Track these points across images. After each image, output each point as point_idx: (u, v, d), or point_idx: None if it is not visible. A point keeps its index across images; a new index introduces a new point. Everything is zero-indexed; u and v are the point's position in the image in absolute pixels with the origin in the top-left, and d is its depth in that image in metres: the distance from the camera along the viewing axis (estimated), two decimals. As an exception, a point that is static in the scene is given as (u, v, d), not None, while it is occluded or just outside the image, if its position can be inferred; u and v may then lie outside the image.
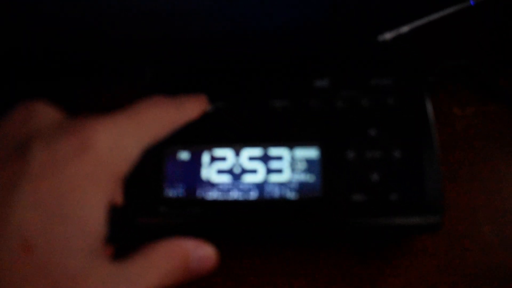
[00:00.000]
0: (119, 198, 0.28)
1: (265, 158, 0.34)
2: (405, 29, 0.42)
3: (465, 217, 0.36)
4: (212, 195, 0.33)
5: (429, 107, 0.33)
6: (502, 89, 0.43)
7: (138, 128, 0.25)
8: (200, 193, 0.33)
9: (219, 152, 0.34)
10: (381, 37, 0.41)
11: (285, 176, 0.33)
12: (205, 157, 0.34)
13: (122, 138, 0.24)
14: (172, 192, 0.34)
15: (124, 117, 0.24)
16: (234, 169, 0.34)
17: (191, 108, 0.30)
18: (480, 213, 0.36)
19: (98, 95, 0.47)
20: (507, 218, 0.35)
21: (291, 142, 0.34)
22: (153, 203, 0.33)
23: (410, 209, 0.31)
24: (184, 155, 0.34)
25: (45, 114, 0.23)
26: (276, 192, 0.33)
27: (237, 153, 0.34)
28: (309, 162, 0.33)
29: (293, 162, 0.33)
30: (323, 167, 0.33)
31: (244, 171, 0.34)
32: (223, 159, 0.34)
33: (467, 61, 0.45)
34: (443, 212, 0.31)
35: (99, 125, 0.23)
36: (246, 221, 0.33)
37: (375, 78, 0.35)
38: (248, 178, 0.33)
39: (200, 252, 0.24)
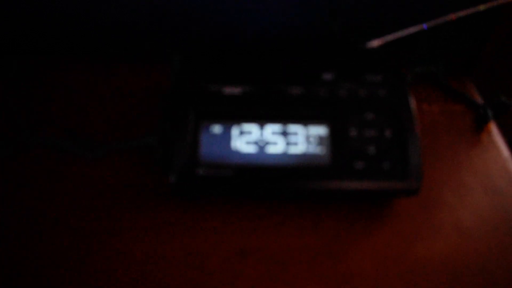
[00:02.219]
0: None
1: (284, 133, 0.41)
2: (389, 38, 0.51)
3: (432, 188, 0.45)
4: (240, 161, 0.40)
5: (411, 98, 0.43)
6: (457, 92, 0.54)
7: None
8: (229, 159, 0.40)
9: (246, 127, 0.41)
10: (370, 43, 0.51)
11: (301, 148, 0.41)
12: (235, 131, 0.41)
13: None
14: (206, 158, 0.40)
15: None
16: (259, 142, 0.41)
17: None
18: (445, 185, 0.46)
19: (132, 80, 0.53)
20: (466, 189, 0.45)
21: (305, 121, 0.42)
22: (192, 167, 0.40)
23: (397, 175, 0.40)
24: (216, 129, 0.41)
25: None
26: (293, 161, 0.41)
27: (262, 128, 0.42)
28: (320, 137, 0.41)
29: (307, 137, 0.41)
30: (331, 141, 0.41)
31: (267, 143, 0.41)
32: (249, 132, 0.41)
33: (433, 68, 0.55)
34: (422, 178, 0.40)
35: None
36: (268, 184, 0.40)
37: (369, 74, 0.44)
38: (270, 149, 0.41)
39: None
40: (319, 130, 0.42)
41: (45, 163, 0.45)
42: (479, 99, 0.55)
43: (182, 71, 0.45)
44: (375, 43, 0.51)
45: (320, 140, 0.41)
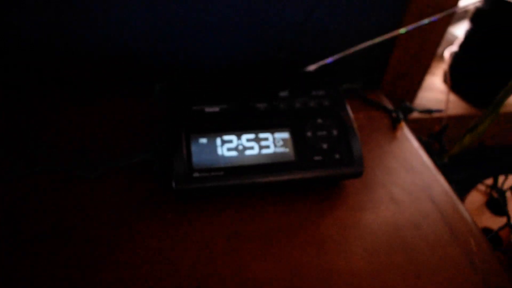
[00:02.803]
0: None
1: (257, 139, 0.53)
2: (320, 63, 0.66)
3: (368, 172, 0.59)
4: (225, 164, 0.51)
5: (348, 107, 0.57)
6: (374, 101, 0.70)
7: None
8: (217, 163, 0.51)
9: (227, 137, 0.52)
10: (308, 68, 0.65)
11: (271, 149, 0.53)
12: (218, 140, 0.52)
13: None
14: (199, 164, 0.50)
15: None
16: (238, 147, 0.52)
17: None
18: (377, 169, 0.60)
19: (109, 111, 0.61)
20: (392, 171, 0.60)
21: (271, 129, 0.54)
22: (189, 172, 0.50)
23: (346, 163, 0.53)
24: (204, 140, 0.52)
25: None
26: (266, 160, 0.52)
27: (239, 137, 0.53)
28: (284, 140, 0.53)
29: (274, 140, 0.53)
30: (293, 142, 0.53)
31: (244, 148, 0.52)
32: (230, 141, 0.52)
33: (355, 84, 0.71)
34: (363, 165, 0.54)
35: None
36: (249, 179, 0.51)
37: (315, 91, 0.58)
38: (248, 152, 0.52)
39: None
40: (283, 135, 0.54)
41: (50, 186, 0.52)
42: (390, 106, 0.71)
43: (171, 96, 0.54)
44: (312, 67, 0.65)
45: (285, 142, 0.53)
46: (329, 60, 0.66)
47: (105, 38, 0.61)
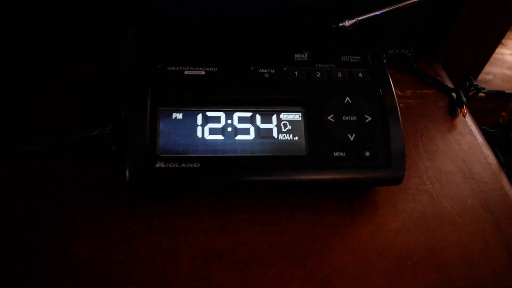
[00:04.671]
0: None
1: (255, 120, 0.37)
2: (360, 18, 0.48)
3: (411, 176, 0.42)
4: (206, 151, 0.36)
5: (391, 82, 0.40)
6: (429, 75, 0.52)
7: None
8: (194, 150, 0.35)
9: (212, 113, 0.37)
10: (341, 23, 0.47)
11: (273, 135, 0.37)
12: (199, 117, 0.36)
13: None
14: (167, 149, 0.35)
15: None
16: (227, 129, 0.36)
17: None
18: (424, 173, 0.43)
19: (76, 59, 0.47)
20: (445, 177, 0.43)
21: (277, 106, 0.37)
22: (150, 160, 0.35)
23: (379, 164, 0.37)
24: (178, 116, 0.36)
25: None
26: (265, 150, 0.36)
27: (229, 114, 0.37)
28: (294, 124, 0.37)
29: (280, 123, 0.37)
30: (306, 128, 0.37)
31: (236, 130, 0.36)
32: (216, 119, 0.37)
33: (405, 51, 0.53)
34: (405, 169, 0.37)
35: None
36: (238, 176, 0.36)
37: (345, 56, 0.41)
38: (240, 137, 0.36)
39: None
40: (293, 116, 0.37)
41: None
42: (449, 83, 0.53)
43: (137, 50, 0.39)
44: (346, 22, 0.47)
45: (295, 127, 0.37)
46: (377, 12, 0.48)
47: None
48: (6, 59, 0.47)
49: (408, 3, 0.47)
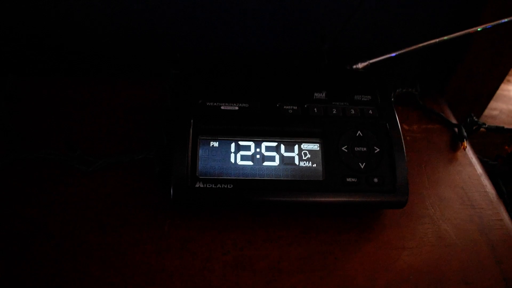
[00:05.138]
0: None
1: (280, 149, 0.43)
2: (372, 61, 0.55)
3: (415, 201, 0.48)
4: (238, 175, 0.42)
5: (397, 119, 0.46)
6: (434, 111, 0.58)
7: None
8: (228, 173, 0.42)
9: (243, 142, 0.43)
10: (355, 66, 0.54)
11: (295, 163, 0.43)
12: (233, 146, 0.43)
13: None
14: (205, 172, 0.42)
15: None
16: (256, 156, 0.43)
17: None
18: (427, 199, 0.49)
19: (128, 96, 0.54)
20: (445, 203, 0.48)
21: (299, 138, 0.44)
22: (191, 180, 0.41)
23: (386, 189, 0.43)
24: (215, 143, 0.43)
25: None
26: (288, 175, 0.43)
27: (258, 144, 0.43)
28: (313, 153, 0.44)
29: (301, 152, 0.43)
30: (324, 157, 0.43)
31: (263, 157, 0.43)
32: (246, 148, 0.43)
33: (412, 89, 0.59)
34: (408, 193, 0.43)
35: None
36: (265, 196, 0.42)
37: (358, 95, 0.47)
38: (266, 164, 0.43)
39: None
40: (312, 146, 0.44)
41: (45, 175, 0.46)
42: (453, 119, 0.59)
43: (180, 86, 0.46)
44: (359, 65, 0.54)
45: (314, 155, 0.43)
46: (392, 54, 0.55)
47: (117, 12, 0.53)
48: (62, 86, 0.55)
49: (417, 47, 0.53)
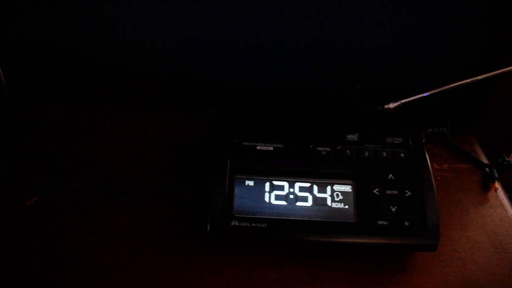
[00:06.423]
0: None
1: (313, 189, 0.45)
2: (402, 101, 0.56)
3: (445, 244, 0.48)
4: (272, 214, 0.44)
5: (429, 161, 0.47)
6: (464, 151, 0.58)
7: None
8: (262, 212, 0.44)
9: (278, 182, 0.45)
10: (386, 106, 0.55)
11: (327, 204, 0.44)
12: (267, 186, 0.45)
13: None
14: (241, 210, 0.43)
15: None
16: (289, 196, 0.44)
17: None
18: (457, 242, 0.49)
19: (162, 129, 0.57)
20: (476, 246, 0.49)
21: (332, 179, 0.45)
22: (227, 218, 0.43)
23: (417, 233, 0.44)
24: (250, 182, 0.45)
25: None
26: (321, 216, 0.44)
27: (291, 184, 0.45)
28: (345, 194, 0.45)
29: (333, 193, 0.45)
30: (356, 199, 0.44)
31: (297, 198, 0.44)
32: (280, 187, 0.45)
33: (442, 129, 0.60)
34: (439, 237, 0.44)
35: None
36: (298, 236, 0.43)
37: (390, 137, 0.48)
38: (300, 204, 0.44)
39: None
40: (345, 188, 0.45)
41: (85, 204, 0.48)
42: (483, 158, 0.59)
43: (218, 125, 0.48)
44: (391, 105, 0.55)
45: (346, 197, 0.45)
46: (425, 94, 0.56)
47: (155, 50, 0.56)
48: (105, 118, 0.58)
49: (450, 87, 0.54)
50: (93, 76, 0.60)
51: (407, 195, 0.45)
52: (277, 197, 0.44)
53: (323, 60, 0.58)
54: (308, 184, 0.45)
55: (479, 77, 0.54)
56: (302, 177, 0.45)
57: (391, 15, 0.54)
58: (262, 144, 0.46)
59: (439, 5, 0.52)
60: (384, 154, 0.47)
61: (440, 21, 0.55)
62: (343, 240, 0.43)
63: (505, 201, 0.54)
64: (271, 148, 0.46)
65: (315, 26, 0.55)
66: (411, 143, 0.48)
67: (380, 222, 0.44)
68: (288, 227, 0.43)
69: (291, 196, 0.44)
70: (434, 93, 0.57)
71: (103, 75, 0.61)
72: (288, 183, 0.45)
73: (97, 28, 0.55)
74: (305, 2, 0.52)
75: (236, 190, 0.44)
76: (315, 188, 0.45)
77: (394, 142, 0.48)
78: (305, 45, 0.56)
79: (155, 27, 0.54)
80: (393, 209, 0.44)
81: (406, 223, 0.44)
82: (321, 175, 0.45)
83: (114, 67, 0.58)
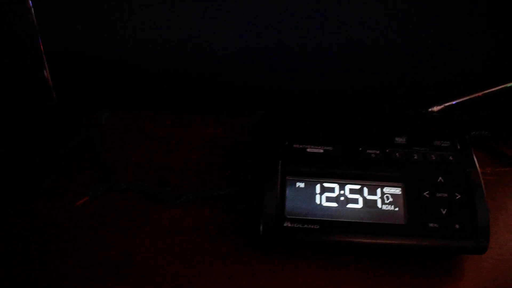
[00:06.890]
0: None
1: (363, 191, 0.45)
2: (447, 104, 0.56)
3: (493, 247, 0.48)
4: (323, 216, 0.44)
5: (477, 163, 0.47)
6: (506, 155, 0.59)
7: None
8: (313, 214, 0.44)
9: (328, 184, 0.45)
10: (430, 109, 0.55)
11: (378, 206, 0.45)
12: (318, 188, 0.45)
13: None
14: (292, 212, 0.44)
15: None
16: (340, 198, 0.45)
17: None
18: (505, 245, 0.49)
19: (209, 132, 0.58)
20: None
21: (381, 182, 0.46)
22: (279, 220, 0.44)
23: (467, 235, 0.44)
24: (301, 184, 0.45)
25: None
26: (371, 217, 0.44)
27: (342, 186, 0.46)
28: (395, 197, 0.45)
29: (383, 196, 0.45)
30: (405, 201, 0.45)
31: (347, 200, 0.45)
32: (331, 189, 0.45)
33: (485, 133, 0.60)
34: (489, 240, 0.44)
35: None
36: (349, 238, 0.44)
37: (437, 141, 0.49)
38: (350, 205, 0.45)
39: None
40: (395, 191, 0.46)
41: (134, 206, 0.50)
42: (525, 162, 0.59)
43: (267, 128, 0.49)
44: (435, 108, 0.56)
45: (396, 199, 0.45)
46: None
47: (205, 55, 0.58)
48: (154, 122, 0.60)
49: (496, 89, 0.54)
50: (142, 81, 0.62)
51: (457, 198, 0.45)
52: (328, 199, 0.45)
53: (367, 62, 0.59)
54: (358, 186, 0.46)
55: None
56: (352, 179, 0.46)
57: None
58: (312, 146, 0.47)
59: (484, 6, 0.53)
60: (433, 157, 0.47)
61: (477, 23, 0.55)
62: (393, 242, 0.44)
63: (549, 204, 0.54)
64: (321, 151, 0.47)
65: (354, 29, 0.55)
66: (458, 147, 0.48)
67: (431, 225, 0.44)
68: (340, 229, 0.44)
69: (342, 198, 0.45)
70: (476, 96, 0.57)
71: (152, 79, 0.62)
72: (339, 185, 0.46)
73: (99, 30, 0.56)
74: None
75: (288, 192, 0.45)
76: (365, 190, 0.45)
77: (442, 145, 0.48)
78: (349, 48, 0.57)
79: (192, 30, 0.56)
80: (444, 212, 0.45)
81: (456, 226, 0.44)
82: (371, 177, 0.46)
83: (163, 72, 0.60)
